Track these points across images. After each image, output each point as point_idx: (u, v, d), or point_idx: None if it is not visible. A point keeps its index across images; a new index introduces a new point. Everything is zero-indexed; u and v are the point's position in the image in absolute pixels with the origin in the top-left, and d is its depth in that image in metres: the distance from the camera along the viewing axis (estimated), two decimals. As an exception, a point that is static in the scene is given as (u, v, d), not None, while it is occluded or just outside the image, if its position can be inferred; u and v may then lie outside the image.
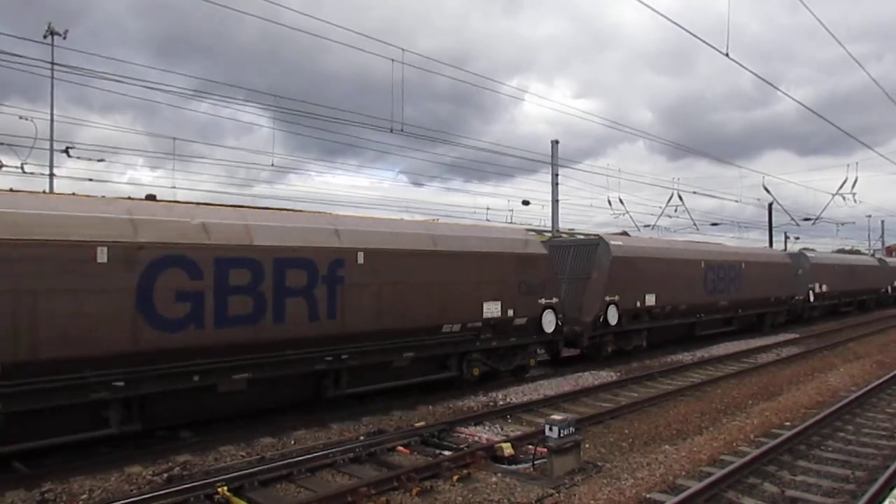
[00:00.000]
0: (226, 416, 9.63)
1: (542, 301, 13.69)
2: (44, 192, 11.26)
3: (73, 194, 9.37)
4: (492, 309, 12.55)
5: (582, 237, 18.46)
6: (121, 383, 7.93)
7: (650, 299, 17.43)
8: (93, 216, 7.98)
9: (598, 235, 17.45)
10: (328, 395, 10.24)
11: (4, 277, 7.12)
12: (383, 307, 10.69)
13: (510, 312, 12.93)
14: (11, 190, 8.59)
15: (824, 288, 29.09)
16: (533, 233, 15.76)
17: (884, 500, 5.39)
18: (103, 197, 9.07)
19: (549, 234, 19.89)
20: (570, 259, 16.57)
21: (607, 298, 15.94)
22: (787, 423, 10.09)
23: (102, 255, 7.80)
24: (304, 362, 9.73)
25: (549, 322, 13.85)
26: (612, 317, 16.07)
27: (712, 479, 6.99)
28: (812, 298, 28.10)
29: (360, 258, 10.38)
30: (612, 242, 16.70)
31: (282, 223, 9.82)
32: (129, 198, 9.57)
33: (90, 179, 20.67)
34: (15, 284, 7.16)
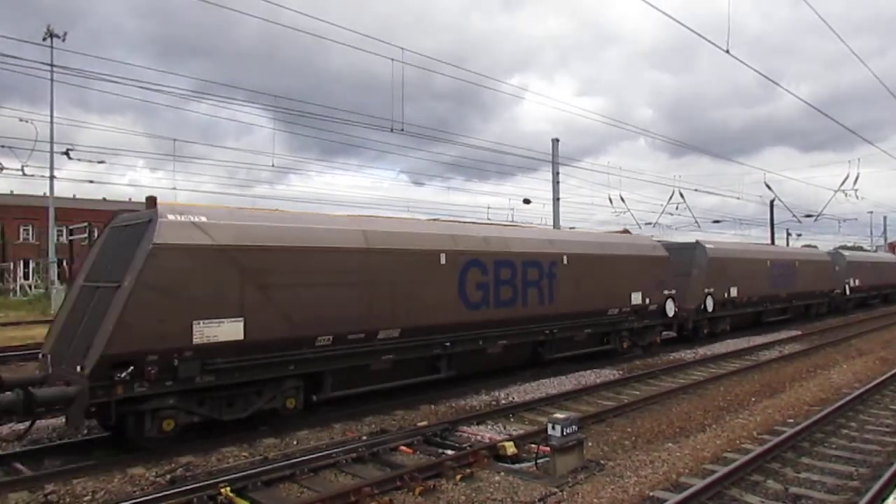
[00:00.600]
0: (486, 371, 13.52)
1: (666, 292, 17.54)
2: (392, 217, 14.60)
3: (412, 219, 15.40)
4: (636, 297, 16.42)
5: (680, 242, 22.34)
6: (448, 344, 11.84)
7: (733, 291, 21.28)
8: (435, 234, 12.14)
9: (696, 241, 21.25)
10: (544, 359, 14.30)
11: (395, 274, 10.91)
12: (577, 295, 14.61)
13: (647, 300, 16.80)
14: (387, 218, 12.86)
15: (857, 282, 33.32)
16: (658, 241, 19.69)
17: (888, 496, 5.38)
18: (436, 220, 14.84)
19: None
20: (673, 259, 19.12)
21: (706, 290, 19.85)
22: (791, 421, 10.08)
23: (443, 259, 11.76)
24: (533, 333, 13.71)
25: (670, 308, 17.80)
26: (710, 305, 19.91)
27: (716, 476, 6.98)
28: (848, 292, 32.06)
29: (566, 260, 14.47)
30: (708, 246, 20.94)
31: (523, 236, 14.31)
32: (437, 219, 15.52)
33: (91, 181, 20.77)
34: (399, 277, 10.95)
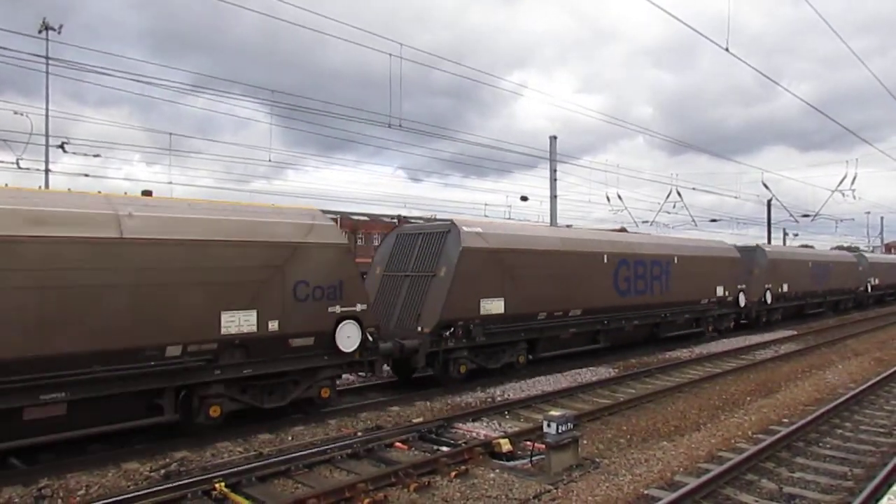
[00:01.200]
0: (626, 344, 17.48)
1: (739, 286, 21.79)
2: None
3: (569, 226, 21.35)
4: (720, 291, 20.68)
5: (744, 246, 25.81)
6: (605, 321, 15.78)
7: (784, 287, 25.74)
8: (600, 240, 16.67)
9: (757, 245, 25.42)
10: (660, 336, 18.52)
11: (579, 269, 14.84)
12: (682, 287, 18.59)
13: (727, 293, 21.03)
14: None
15: (877, 281, 37.40)
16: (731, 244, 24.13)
17: (882, 497, 5.38)
18: (596, 229, 20.40)
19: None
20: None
21: (766, 286, 24.17)
22: (785, 420, 10.09)
23: (604, 259, 15.80)
24: (653, 316, 17.85)
25: (742, 300, 21.93)
26: (769, 298, 24.25)
27: (710, 475, 6.99)
28: (870, 289, 36.13)
29: (676, 260, 18.61)
30: (767, 249, 25.95)
31: (649, 241, 18.84)
32: (569, 225, 21.02)
33: (86, 175, 20.64)
34: (581, 272, 14.86)
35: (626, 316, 16.57)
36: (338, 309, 9.89)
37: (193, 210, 8.93)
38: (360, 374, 11.91)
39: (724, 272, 21.22)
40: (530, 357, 13.95)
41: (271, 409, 9.51)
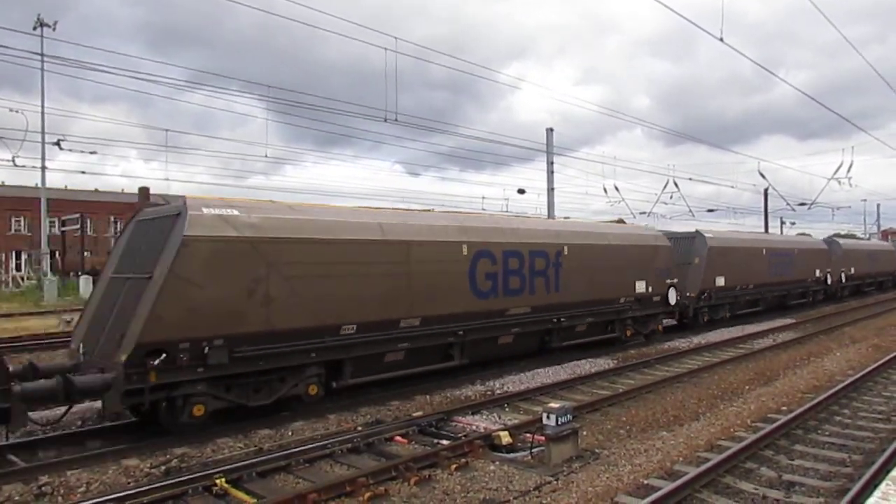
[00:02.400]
0: (500, 358, 13.95)
1: (669, 281, 18.16)
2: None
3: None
4: (641, 287, 17.00)
5: (681, 232, 23.17)
6: (461, 333, 12.16)
7: (852, 270, 33.17)
8: (447, 225, 12.43)
9: (696, 230, 22.48)
10: (552, 346, 14.59)
11: (398, 266, 11.06)
12: (579, 285, 15.11)
13: (651, 289, 17.42)
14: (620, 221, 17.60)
15: (853, 271, 37.14)
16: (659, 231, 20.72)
17: (880, 483, 5.41)
18: (451, 212, 16.74)
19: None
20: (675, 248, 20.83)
21: (840, 269, 31.51)
22: (784, 408, 10.13)
23: (464, 250, 12.28)
24: (537, 323, 14.06)
25: (672, 296, 18.27)
26: (841, 279, 31.56)
27: (710, 464, 7.01)
28: (843, 280, 35.48)
29: (566, 251, 14.79)
30: (841, 241, 32.15)
31: (525, 227, 14.66)
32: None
33: (83, 172, 20.59)
34: (401, 270, 11.10)
35: (492, 324, 12.67)
36: None
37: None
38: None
39: (646, 264, 17.19)
40: (334, 384, 10.15)
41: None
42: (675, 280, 18.36)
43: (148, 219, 9.65)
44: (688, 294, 19.73)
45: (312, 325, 9.57)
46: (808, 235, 40.53)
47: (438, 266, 11.62)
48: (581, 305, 14.96)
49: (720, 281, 21.47)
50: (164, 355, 8.10)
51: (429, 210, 16.08)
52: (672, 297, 17.96)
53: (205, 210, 8.86)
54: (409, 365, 11.40)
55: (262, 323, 9.01)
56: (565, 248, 14.58)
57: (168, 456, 7.93)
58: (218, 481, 6.81)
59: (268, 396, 9.34)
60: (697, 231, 22.10)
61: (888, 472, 5.78)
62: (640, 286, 16.87)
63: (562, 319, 14.42)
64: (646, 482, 6.87)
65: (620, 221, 24.21)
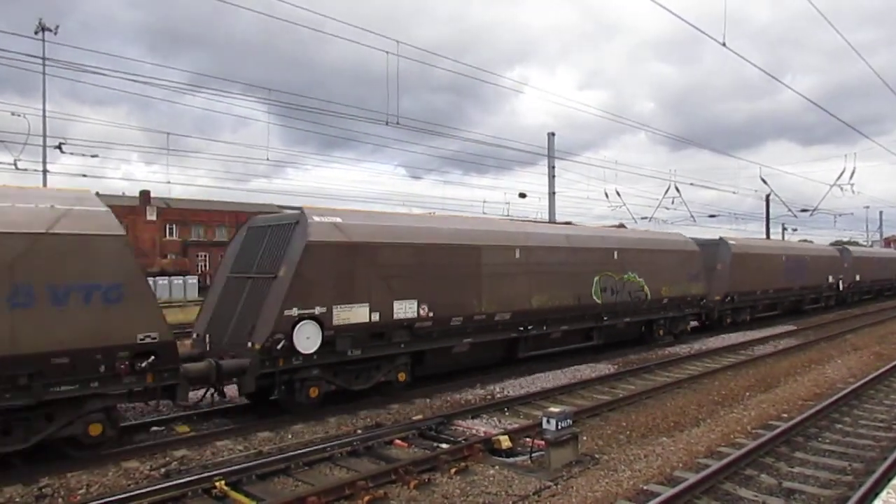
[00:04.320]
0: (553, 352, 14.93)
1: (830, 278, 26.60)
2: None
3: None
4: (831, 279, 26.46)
5: (706, 239, 23.52)
6: (528, 327, 13.76)
7: (858, 276, 34.48)
8: (508, 231, 14.09)
9: (720, 238, 23.46)
10: (599, 343, 16.26)
11: (469, 267, 12.45)
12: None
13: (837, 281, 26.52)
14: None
15: (859, 278, 38.21)
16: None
17: (881, 491, 5.40)
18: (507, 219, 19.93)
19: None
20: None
21: (852, 275, 32.77)
22: (785, 415, 10.11)
23: (517, 254, 13.59)
24: (586, 319, 15.81)
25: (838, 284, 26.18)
26: (846, 284, 32.27)
27: (709, 470, 7.00)
28: (841, 286, 35.84)
29: (616, 255, 16.48)
30: (853, 249, 33.42)
31: (580, 234, 16.52)
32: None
33: (84, 175, 20.64)
34: (471, 272, 12.56)
35: (544, 320, 13.91)
36: None
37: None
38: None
39: (681, 269, 18.78)
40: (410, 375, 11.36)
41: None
42: (703, 284, 19.76)
43: (261, 226, 11.13)
44: (714, 297, 20.97)
45: (402, 319, 11.08)
46: (811, 242, 40.47)
47: (503, 268, 13.05)
48: (627, 306, 16.50)
49: (742, 286, 22.73)
50: (282, 344, 9.40)
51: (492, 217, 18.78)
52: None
53: (318, 219, 10.25)
54: (474, 356, 12.98)
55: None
56: (615, 253, 16.16)
57: (168, 458, 7.93)
58: (217, 484, 6.81)
59: (366, 382, 10.82)
60: (721, 238, 23.36)
61: (889, 480, 5.77)
62: (678, 289, 18.36)
63: (605, 319, 15.75)
64: (645, 488, 6.86)
65: (621, 226, 24.22)
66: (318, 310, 9.86)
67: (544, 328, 14.00)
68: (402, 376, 11.19)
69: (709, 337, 20.01)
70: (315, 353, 9.79)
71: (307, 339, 9.68)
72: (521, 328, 13.37)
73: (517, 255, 13.30)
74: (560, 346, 14.90)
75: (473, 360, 13.10)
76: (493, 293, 12.63)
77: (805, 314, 28.00)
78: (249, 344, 9.43)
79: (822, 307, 30.04)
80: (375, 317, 10.62)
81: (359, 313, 10.37)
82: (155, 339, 8.03)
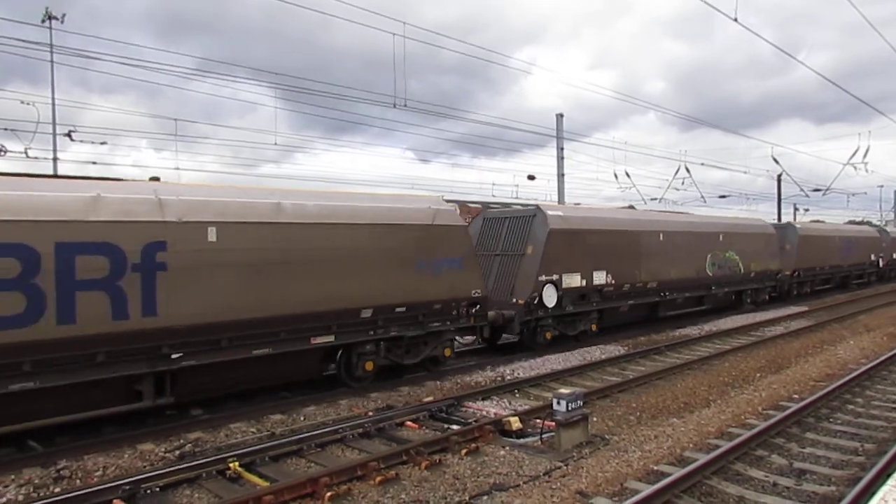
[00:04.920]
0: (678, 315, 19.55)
1: (872, 256, 28.17)
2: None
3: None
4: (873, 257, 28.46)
5: (779, 223, 28.90)
6: (664, 294, 18.07)
7: (894, 254, 35.87)
8: (653, 219, 18.51)
9: (788, 222, 28.22)
10: (704, 306, 20.83)
11: (633, 247, 16.75)
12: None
13: (765, 267, 23.83)
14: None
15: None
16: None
17: (893, 471, 5.38)
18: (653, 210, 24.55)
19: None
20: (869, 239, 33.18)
21: (892, 254, 33.08)
22: (796, 396, 10.09)
23: (660, 237, 17.90)
24: (702, 288, 20.13)
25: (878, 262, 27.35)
26: (885, 261, 33.44)
27: (720, 451, 7.01)
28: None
29: (721, 238, 20.92)
30: (890, 230, 33.10)
31: (690, 220, 21.02)
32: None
33: (94, 163, 20.70)
34: (634, 250, 16.84)
35: (676, 288, 18.37)
36: None
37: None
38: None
39: (763, 248, 23.32)
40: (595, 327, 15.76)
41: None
42: (778, 260, 24.21)
43: (497, 217, 15.37)
44: (786, 272, 25.30)
45: (595, 286, 15.36)
46: (822, 222, 40.09)
47: (653, 248, 17.19)
48: (728, 278, 20.91)
49: (806, 262, 26.91)
50: (537, 300, 13.74)
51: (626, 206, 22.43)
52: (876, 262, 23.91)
53: (552, 213, 14.62)
54: (630, 315, 17.16)
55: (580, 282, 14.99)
56: (721, 236, 20.49)
57: (182, 440, 8.04)
58: (231, 465, 6.90)
59: (574, 330, 15.13)
60: (789, 223, 28.80)
61: (900, 459, 5.76)
62: (761, 265, 22.78)
63: (713, 288, 20.14)
64: (655, 468, 6.88)
65: (630, 208, 24.17)
66: (554, 276, 14.16)
67: (675, 294, 18.25)
68: (594, 327, 15.58)
69: (719, 318, 20.04)
70: (552, 307, 14.06)
71: (549, 297, 13.98)
72: (662, 294, 17.63)
73: (661, 238, 17.54)
74: (682, 310, 19.45)
75: (630, 318, 17.26)
76: (647, 267, 16.89)
77: (850, 288, 31.86)
78: (514, 300, 13.63)
79: (864, 282, 33.55)
80: (584, 282, 14.99)
81: (575, 279, 14.63)
82: (479, 294, 12.24)
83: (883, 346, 14.82)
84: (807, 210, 53.61)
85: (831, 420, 8.84)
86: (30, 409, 7.47)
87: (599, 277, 15.38)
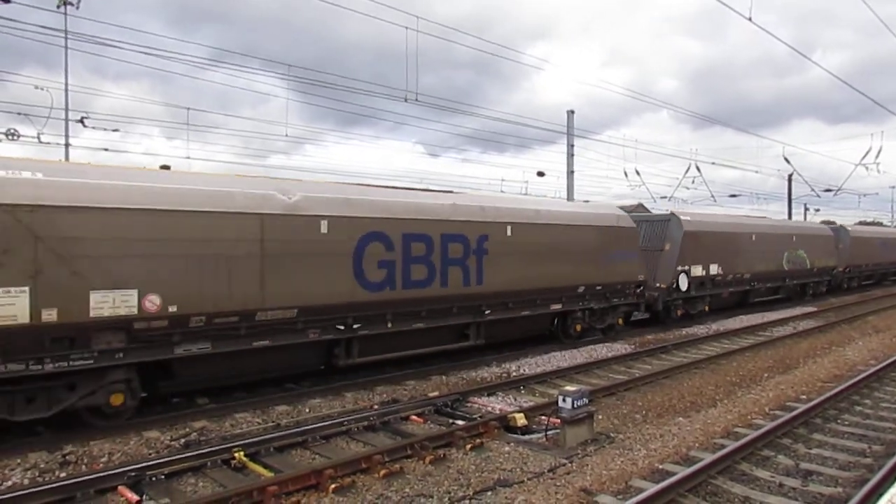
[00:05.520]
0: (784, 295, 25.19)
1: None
2: None
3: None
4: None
5: (825, 223, 32.43)
6: (753, 284, 22.51)
7: (714, 268, 35.30)
8: (745, 223, 22.80)
9: (670, 212, 26.09)
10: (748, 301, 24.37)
11: (737, 244, 21.05)
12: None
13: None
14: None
15: (857, 262, 40.61)
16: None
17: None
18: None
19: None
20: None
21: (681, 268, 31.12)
22: (803, 397, 10.02)
23: (752, 237, 22.02)
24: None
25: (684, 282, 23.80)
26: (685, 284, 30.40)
27: (726, 451, 6.97)
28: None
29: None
30: (684, 217, 29.71)
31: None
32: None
33: (106, 149, 20.77)
34: (738, 246, 21.13)
35: (761, 279, 22.33)
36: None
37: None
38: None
39: (821, 247, 27.20)
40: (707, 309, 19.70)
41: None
42: (834, 258, 27.66)
43: (638, 220, 17.85)
44: (839, 269, 28.64)
45: (711, 275, 19.63)
46: (834, 223, 39.85)
47: (748, 245, 21.35)
48: (798, 272, 24.94)
49: (855, 260, 30.54)
50: (675, 286, 17.89)
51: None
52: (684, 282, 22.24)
53: (684, 217, 18.70)
54: (726, 301, 21.35)
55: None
56: (794, 237, 24.40)
57: (188, 429, 8.07)
58: (236, 455, 6.93)
59: (694, 309, 19.12)
60: (842, 225, 31.34)
61: (909, 463, 5.71)
62: (822, 262, 26.23)
63: (786, 280, 24.31)
64: (661, 467, 6.85)
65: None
66: (686, 267, 18.05)
67: (761, 284, 22.27)
68: (707, 308, 19.52)
69: (726, 318, 19.93)
70: (684, 291, 17.96)
71: (683, 282, 17.94)
72: (751, 284, 21.67)
73: (753, 238, 21.57)
74: (765, 297, 23.94)
75: (729, 302, 21.49)
76: (744, 261, 20.84)
77: (884, 285, 35.54)
78: (657, 284, 17.46)
79: (811, 294, 30.80)
80: (703, 273, 18.86)
81: (697, 270, 18.46)
82: (643, 279, 15.93)
83: (892, 347, 14.70)
84: (818, 210, 53.18)
85: (839, 421, 8.78)
86: (417, 342, 11.35)
87: (714, 268, 19.40)
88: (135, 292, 7.67)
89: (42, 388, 7.45)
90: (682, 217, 18.58)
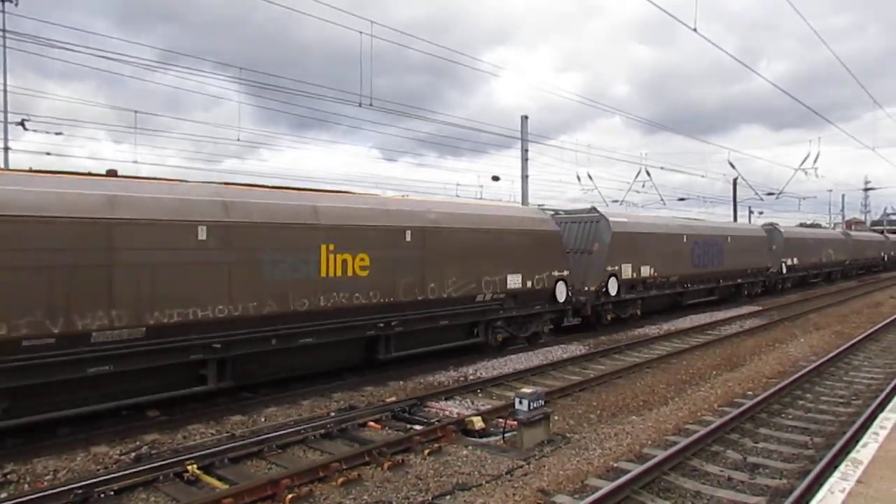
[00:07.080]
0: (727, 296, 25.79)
1: (557, 273, 19.28)
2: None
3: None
4: (514, 281, 21.37)
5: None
6: (686, 286, 22.49)
7: (646, 270, 33.98)
8: (680, 223, 23.36)
9: (596, 210, 23.81)
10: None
11: (671, 247, 21.25)
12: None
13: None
14: None
15: (795, 262, 40.44)
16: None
17: (840, 463, 5.59)
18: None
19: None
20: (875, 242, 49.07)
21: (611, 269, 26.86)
22: (750, 393, 10.39)
23: (684, 238, 21.90)
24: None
25: (561, 292, 19.68)
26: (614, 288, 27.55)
27: (677, 447, 7.16)
28: (784, 271, 39.54)
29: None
30: (612, 218, 27.21)
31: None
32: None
33: (48, 153, 19.96)
34: (671, 249, 21.26)
35: (803, 269, 29.78)
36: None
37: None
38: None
39: (841, 247, 38.10)
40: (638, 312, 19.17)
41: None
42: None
43: (565, 220, 18.33)
44: (847, 263, 38.05)
45: (642, 278, 19.14)
46: (776, 225, 41.43)
47: (682, 247, 21.56)
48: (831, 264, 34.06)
49: (857, 255, 39.39)
50: (604, 289, 17.24)
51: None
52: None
53: (613, 219, 18.22)
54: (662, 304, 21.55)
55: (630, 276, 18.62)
56: (728, 238, 24.75)
57: (138, 443, 7.84)
58: (189, 467, 6.76)
59: (624, 313, 18.56)
60: (774, 227, 31.80)
61: (847, 453, 5.98)
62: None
63: (826, 269, 34.13)
64: (615, 465, 7.00)
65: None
66: (616, 269, 17.52)
67: (694, 287, 22.29)
68: (638, 312, 18.94)
69: (678, 318, 20.50)
70: (613, 295, 17.39)
71: (612, 286, 17.30)
72: (685, 286, 21.59)
73: (685, 240, 21.62)
74: (698, 299, 23.73)
75: (658, 306, 20.95)
76: (675, 262, 20.77)
77: (855, 278, 40.71)
78: (586, 288, 16.74)
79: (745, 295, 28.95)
80: (633, 275, 18.35)
81: (627, 272, 18.00)
82: (568, 280, 15.59)
83: (831, 343, 15.37)
84: (761, 213, 55.19)
85: (783, 415, 9.14)
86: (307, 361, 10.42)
87: (645, 270, 19.08)
88: None
89: None
90: (610, 218, 17.99)
